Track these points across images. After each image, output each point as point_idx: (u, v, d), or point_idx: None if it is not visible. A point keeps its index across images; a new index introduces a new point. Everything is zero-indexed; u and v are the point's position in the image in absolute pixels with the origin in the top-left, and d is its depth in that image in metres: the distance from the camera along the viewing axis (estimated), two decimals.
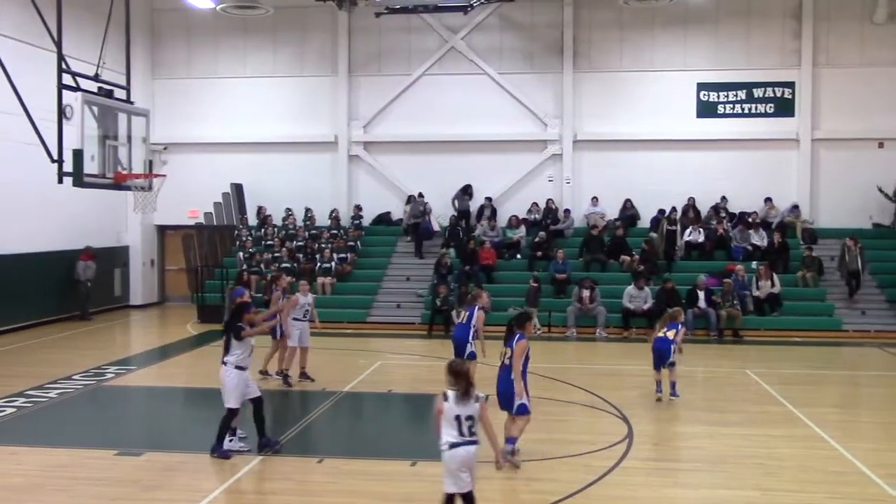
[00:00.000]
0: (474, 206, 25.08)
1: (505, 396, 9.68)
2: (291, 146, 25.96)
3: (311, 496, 8.85)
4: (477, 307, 12.90)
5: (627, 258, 22.44)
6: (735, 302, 20.26)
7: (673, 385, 13.14)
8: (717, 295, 20.40)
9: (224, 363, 9.94)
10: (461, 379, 6.97)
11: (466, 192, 24.96)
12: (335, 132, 25.90)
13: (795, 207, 23.93)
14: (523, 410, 9.63)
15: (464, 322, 12.91)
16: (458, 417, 6.87)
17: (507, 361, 9.69)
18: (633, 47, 24.99)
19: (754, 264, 21.56)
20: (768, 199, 24.03)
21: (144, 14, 25.52)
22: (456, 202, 24.86)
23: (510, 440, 9.63)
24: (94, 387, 14.25)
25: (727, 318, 19.99)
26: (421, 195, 24.69)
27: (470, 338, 12.66)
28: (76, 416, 12.53)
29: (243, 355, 9.98)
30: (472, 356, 12.56)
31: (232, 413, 9.96)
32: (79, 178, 12.72)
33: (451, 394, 6.93)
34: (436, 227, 24.39)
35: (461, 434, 6.84)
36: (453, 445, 6.84)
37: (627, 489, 8.98)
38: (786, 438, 11.06)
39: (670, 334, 13.01)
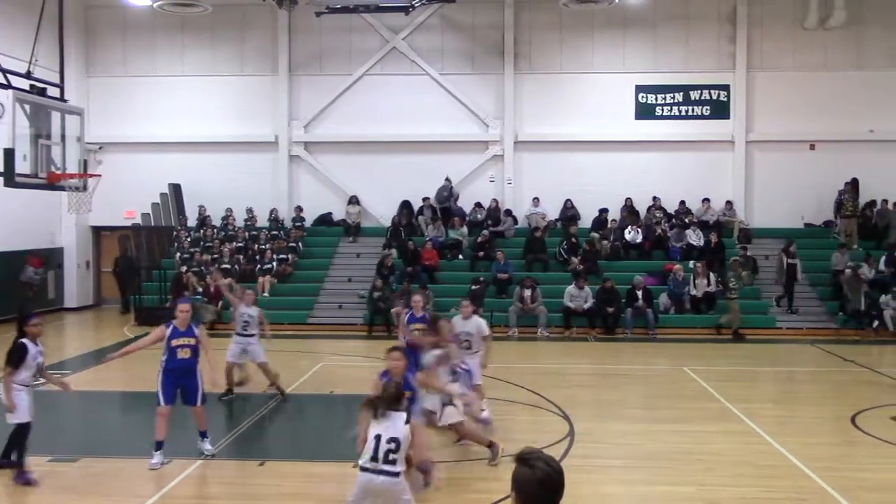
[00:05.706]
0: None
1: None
2: (231, 146, 25.61)
3: (252, 500, 8.76)
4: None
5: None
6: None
7: None
8: (656, 295, 20.80)
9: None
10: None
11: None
12: (276, 132, 25.66)
13: (728, 203, 24.45)
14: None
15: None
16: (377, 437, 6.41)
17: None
18: (572, 49, 25.23)
19: (691, 263, 21.96)
20: (706, 200, 24.49)
21: (78, 10, 24.92)
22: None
23: None
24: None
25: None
26: (448, 179, 24.79)
27: None
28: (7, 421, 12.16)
29: (30, 373, 9.55)
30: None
31: (23, 428, 9.34)
32: (10, 178, 12.41)
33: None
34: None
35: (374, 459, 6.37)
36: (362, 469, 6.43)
37: (568, 487, 8.92)
38: (722, 434, 11.29)
39: None
